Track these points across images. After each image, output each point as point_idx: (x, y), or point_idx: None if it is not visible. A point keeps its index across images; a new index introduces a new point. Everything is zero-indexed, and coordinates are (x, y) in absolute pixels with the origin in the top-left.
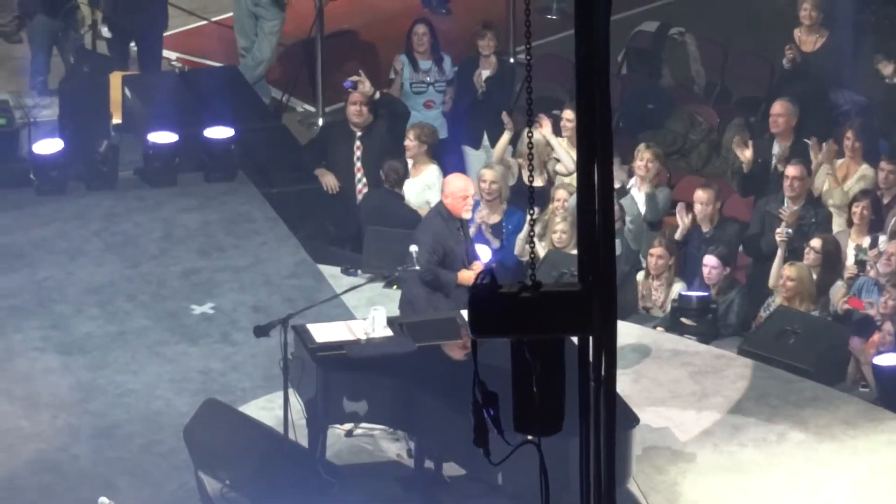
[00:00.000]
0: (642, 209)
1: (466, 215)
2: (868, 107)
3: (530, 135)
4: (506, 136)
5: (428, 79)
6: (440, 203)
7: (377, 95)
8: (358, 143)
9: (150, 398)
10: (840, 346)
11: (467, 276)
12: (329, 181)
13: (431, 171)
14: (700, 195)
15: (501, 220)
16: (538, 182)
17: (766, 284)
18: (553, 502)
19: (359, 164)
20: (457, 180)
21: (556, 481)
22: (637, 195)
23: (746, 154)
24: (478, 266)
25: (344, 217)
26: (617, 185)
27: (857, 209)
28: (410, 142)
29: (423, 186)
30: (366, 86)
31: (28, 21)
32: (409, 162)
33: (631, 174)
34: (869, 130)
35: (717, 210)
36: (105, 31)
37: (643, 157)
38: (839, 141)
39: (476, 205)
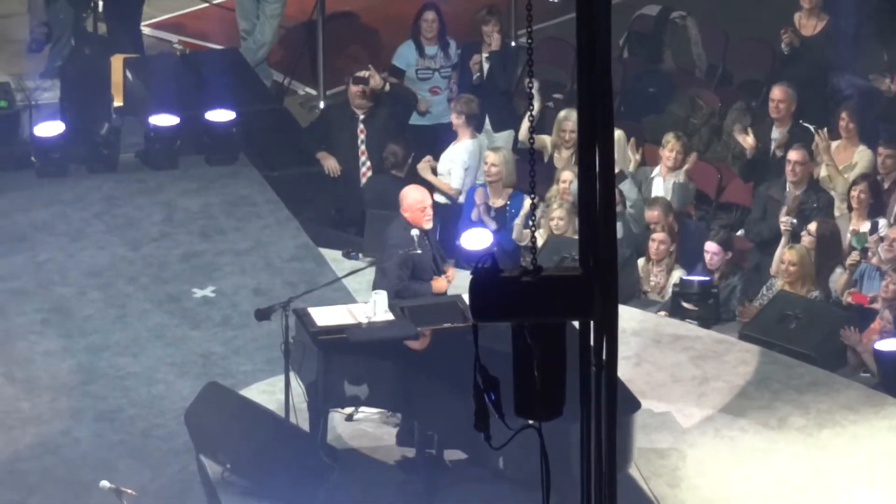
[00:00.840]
0: (668, 196)
1: (427, 225)
2: (869, 90)
3: (531, 118)
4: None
5: (433, 65)
6: (400, 216)
7: (387, 87)
8: (361, 126)
9: (151, 381)
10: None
11: (441, 283)
12: (331, 164)
13: (459, 146)
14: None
15: (506, 204)
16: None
17: (768, 270)
18: (554, 487)
19: (363, 148)
20: (413, 192)
21: (556, 466)
22: (660, 183)
23: (748, 140)
24: (450, 271)
25: (346, 200)
26: (616, 170)
27: (854, 192)
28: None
29: (448, 160)
30: (376, 79)
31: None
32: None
33: (644, 161)
34: (869, 114)
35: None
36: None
37: (672, 148)
38: (835, 123)
39: (471, 191)
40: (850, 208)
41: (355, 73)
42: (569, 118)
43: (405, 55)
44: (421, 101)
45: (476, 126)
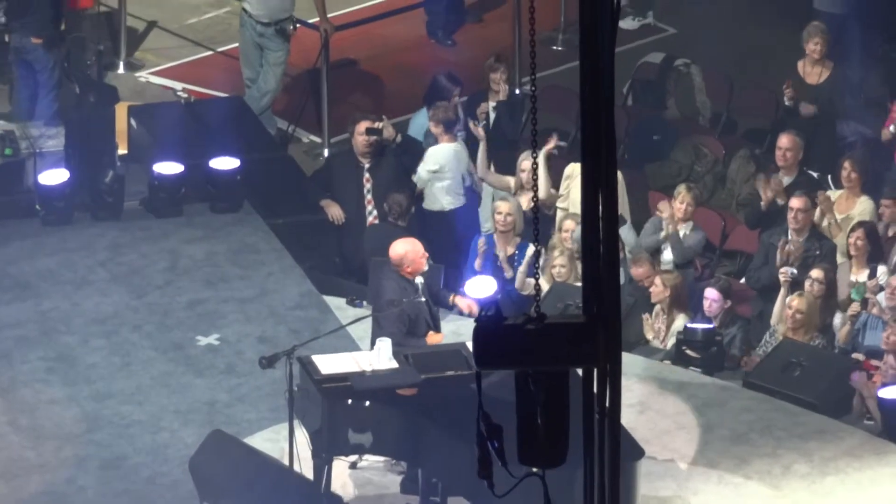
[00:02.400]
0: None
1: (420, 278)
2: (874, 139)
3: (535, 165)
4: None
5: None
6: (389, 273)
7: (398, 139)
8: (367, 175)
9: (155, 429)
10: (845, 378)
11: (436, 338)
12: (334, 212)
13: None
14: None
15: (514, 253)
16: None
17: (769, 317)
18: None
19: (369, 197)
20: (407, 245)
21: None
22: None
23: (768, 194)
24: (440, 336)
25: (350, 249)
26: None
27: (852, 239)
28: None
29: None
30: (389, 130)
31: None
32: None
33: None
34: (874, 162)
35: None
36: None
37: (683, 200)
38: (837, 172)
39: (489, 238)
40: (848, 256)
41: (367, 125)
42: (526, 159)
43: (419, 124)
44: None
45: (454, 133)
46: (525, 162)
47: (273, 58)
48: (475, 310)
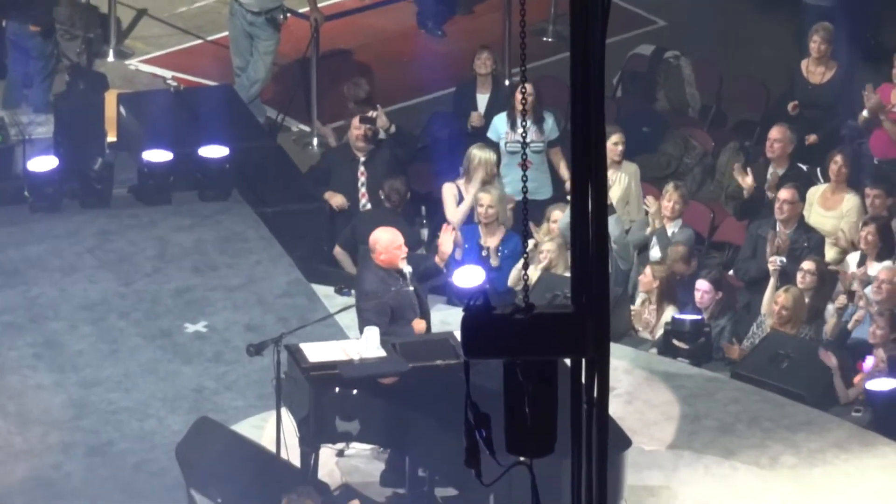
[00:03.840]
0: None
1: (403, 265)
2: (864, 132)
3: (524, 156)
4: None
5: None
6: (370, 263)
7: (392, 129)
8: (362, 168)
9: (142, 416)
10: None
11: (419, 325)
12: (338, 201)
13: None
14: None
15: (499, 245)
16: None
17: (758, 309)
18: None
19: (363, 190)
20: (385, 234)
21: (547, 503)
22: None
23: (747, 181)
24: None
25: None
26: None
27: (864, 234)
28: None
29: None
30: (382, 120)
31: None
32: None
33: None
34: (863, 156)
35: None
36: None
37: (671, 198)
38: (826, 165)
39: (473, 229)
40: (857, 249)
41: (361, 114)
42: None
43: (497, 127)
44: (473, 115)
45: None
46: (674, 194)
47: (263, 47)
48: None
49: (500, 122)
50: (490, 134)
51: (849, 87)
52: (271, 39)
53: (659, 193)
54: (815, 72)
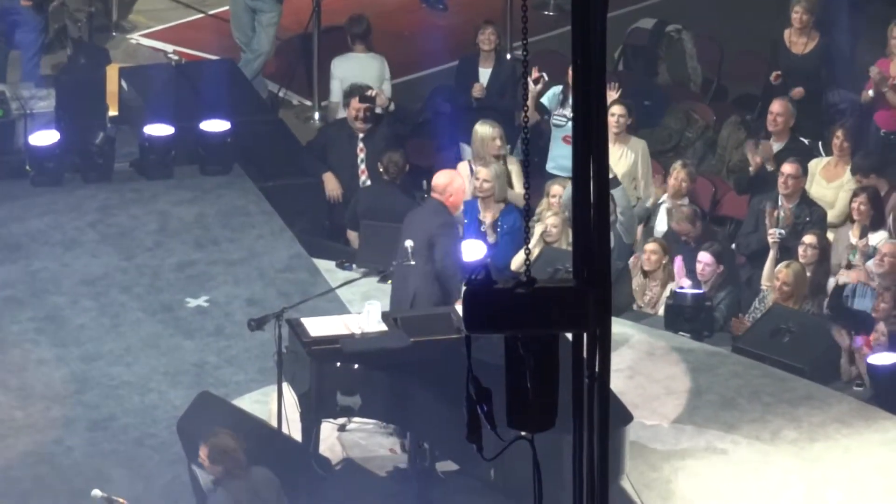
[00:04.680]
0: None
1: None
2: (866, 108)
3: (526, 132)
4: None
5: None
6: (440, 205)
7: (392, 107)
8: (361, 145)
9: (144, 391)
10: (834, 344)
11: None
12: (332, 189)
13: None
14: None
15: (497, 219)
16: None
17: (759, 283)
18: (546, 498)
19: (363, 167)
20: (455, 176)
21: (548, 477)
22: (664, 212)
23: (757, 160)
24: None
25: (342, 216)
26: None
27: (855, 204)
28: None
29: None
30: (381, 98)
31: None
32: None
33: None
34: (865, 131)
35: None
36: None
37: (678, 177)
38: (828, 139)
39: (472, 204)
40: (851, 221)
41: (361, 93)
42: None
43: (550, 98)
44: (476, 86)
45: None
46: (681, 172)
47: (266, 19)
48: None
49: (552, 94)
50: (544, 100)
51: (848, 59)
52: (273, 11)
53: (663, 170)
54: (798, 42)
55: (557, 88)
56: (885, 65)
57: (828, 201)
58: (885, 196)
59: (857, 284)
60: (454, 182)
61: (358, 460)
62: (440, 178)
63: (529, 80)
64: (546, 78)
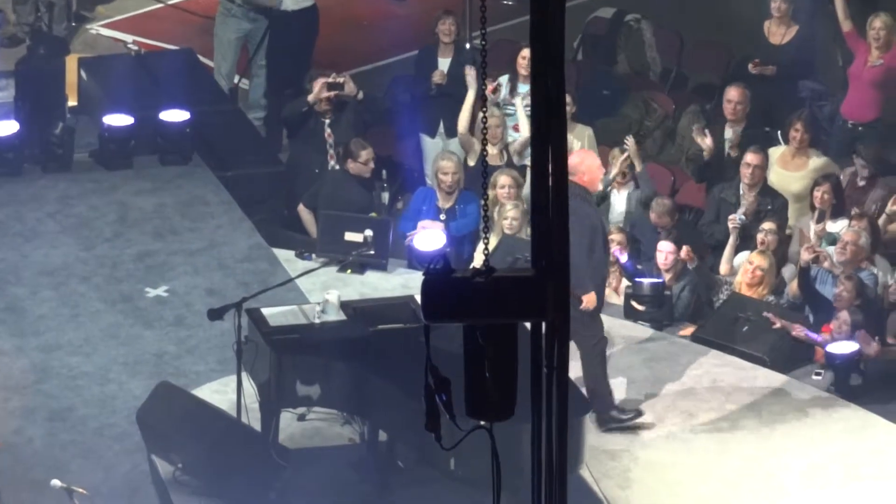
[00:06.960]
0: (622, 210)
1: (600, 186)
2: (824, 94)
3: (484, 120)
4: (470, 96)
5: (522, 102)
6: (576, 186)
7: (360, 95)
8: (329, 130)
9: (103, 381)
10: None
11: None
12: (308, 221)
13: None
14: None
15: (454, 204)
16: (497, 161)
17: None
18: (505, 487)
19: (331, 152)
20: (591, 157)
21: (507, 466)
22: (620, 198)
23: (707, 142)
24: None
25: (298, 201)
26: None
27: (818, 193)
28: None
29: None
30: (350, 86)
31: None
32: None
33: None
34: (825, 119)
35: None
36: None
37: (618, 164)
38: (787, 130)
39: (430, 192)
40: (812, 208)
41: (325, 80)
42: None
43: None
44: (436, 73)
45: None
46: (619, 157)
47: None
48: None
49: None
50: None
51: (825, 50)
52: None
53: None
54: (776, 32)
55: (504, 78)
56: (864, 54)
57: (791, 191)
58: (867, 186)
59: (819, 271)
60: (585, 161)
61: (317, 449)
62: (570, 160)
63: (487, 91)
64: (502, 84)
